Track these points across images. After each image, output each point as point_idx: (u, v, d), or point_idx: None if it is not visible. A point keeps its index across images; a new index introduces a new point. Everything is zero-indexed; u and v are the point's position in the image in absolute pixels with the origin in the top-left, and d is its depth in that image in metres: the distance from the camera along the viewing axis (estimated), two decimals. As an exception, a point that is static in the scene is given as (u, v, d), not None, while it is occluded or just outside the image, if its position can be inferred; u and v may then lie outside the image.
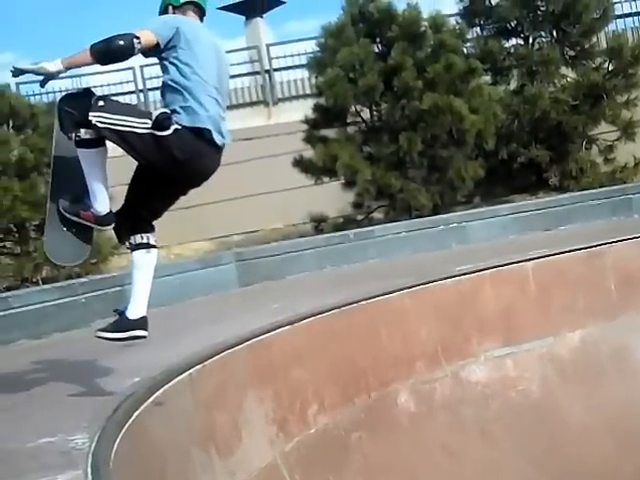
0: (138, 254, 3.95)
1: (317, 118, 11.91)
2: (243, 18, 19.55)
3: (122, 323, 3.91)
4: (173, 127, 3.73)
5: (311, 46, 13.30)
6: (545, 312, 6.95)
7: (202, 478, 4.12)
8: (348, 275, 8.27)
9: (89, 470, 2.95)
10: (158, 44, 3.78)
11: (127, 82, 16.42)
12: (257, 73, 16.67)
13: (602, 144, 12.84)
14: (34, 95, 14.58)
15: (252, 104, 16.20)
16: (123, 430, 3.47)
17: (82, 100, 3.83)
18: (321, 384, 5.50)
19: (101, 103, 3.76)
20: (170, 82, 3.85)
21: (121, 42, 3.65)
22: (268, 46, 16.99)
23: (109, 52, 3.68)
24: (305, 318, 5.64)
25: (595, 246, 7.45)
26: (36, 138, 9.61)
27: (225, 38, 55.36)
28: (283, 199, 13.52)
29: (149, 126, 3.70)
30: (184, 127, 3.76)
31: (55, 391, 4.19)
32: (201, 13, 4.16)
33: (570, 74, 12.97)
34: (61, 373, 4.56)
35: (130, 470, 3.34)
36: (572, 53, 13.13)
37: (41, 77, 3.72)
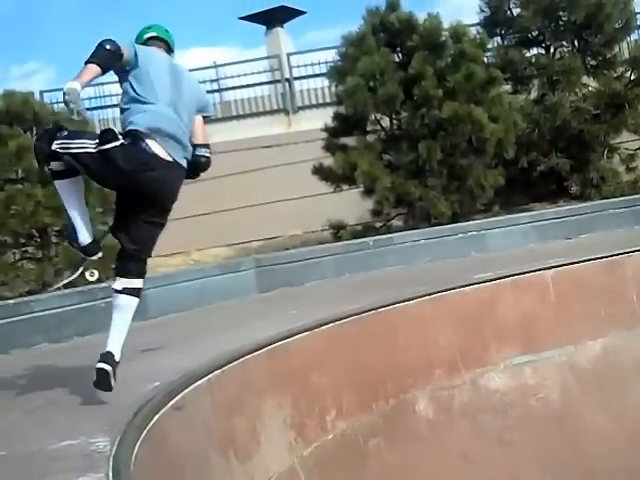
0: (114, 296, 4.01)
1: (337, 126, 11.94)
2: (264, 28, 19.63)
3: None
4: (119, 142, 3.81)
5: (331, 55, 13.37)
6: (565, 320, 6.91)
7: (221, 482, 4.14)
8: (366, 282, 8.27)
9: (110, 473, 2.97)
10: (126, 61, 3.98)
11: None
12: (277, 82, 16.75)
13: (624, 153, 12.79)
14: (57, 102, 14.71)
15: (272, 112, 16.30)
16: (143, 434, 3.49)
17: (50, 134, 3.99)
18: (339, 390, 5.51)
19: (64, 133, 3.94)
20: (124, 105, 4.00)
21: (108, 46, 3.84)
22: (288, 55, 17.08)
23: (104, 56, 3.84)
24: (323, 325, 5.65)
25: (616, 255, 7.41)
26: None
27: (246, 47, 55.68)
28: (302, 206, 13.57)
29: (97, 143, 3.83)
30: (132, 139, 3.85)
31: (76, 395, 4.22)
32: (167, 46, 4.37)
33: (592, 83, 12.92)
34: (82, 377, 4.58)
35: (150, 473, 3.36)
36: (594, 62, 13.09)
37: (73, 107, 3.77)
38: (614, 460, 6.14)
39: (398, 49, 11.88)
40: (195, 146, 4.20)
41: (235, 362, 4.79)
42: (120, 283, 3.98)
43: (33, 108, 10.27)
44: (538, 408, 6.44)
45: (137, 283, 4.01)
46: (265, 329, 5.59)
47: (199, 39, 55.92)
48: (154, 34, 4.35)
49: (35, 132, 10.12)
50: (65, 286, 4.64)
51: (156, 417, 3.76)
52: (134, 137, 3.85)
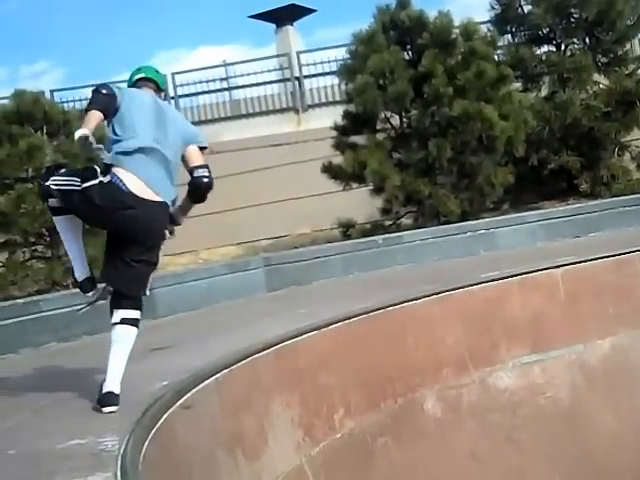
0: (111, 329, 4.03)
1: (347, 125, 11.93)
2: (274, 26, 19.57)
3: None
4: (98, 180, 3.89)
5: (341, 53, 13.35)
6: (574, 319, 6.90)
7: (228, 481, 4.15)
8: (375, 281, 8.27)
9: (118, 472, 2.98)
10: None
11: (158, 89, 16.53)
12: (287, 80, 16.74)
13: (634, 151, 12.73)
14: (67, 102, 14.77)
15: (282, 111, 16.29)
16: (152, 433, 3.51)
17: (50, 172, 4.11)
18: (347, 389, 5.52)
19: (61, 171, 4.08)
20: (108, 148, 4.02)
21: (104, 90, 3.99)
22: (298, 53, 17.03)
23: (104, 100, 3.97)
24: (332, 323, 5.66)
25: (625, 253, 7.39)
26: (69, 144, 9.72)
27: (256, 46, 55.60)
28: (311, 205, 13.56)
29: (81, 181, 3.93)
30: (110, 177, 3.91)
31: (84, 394, 4.24)
32: (156, 86, 4.42)
33: (603, 81, 12.87)
34: (91, 376, 4.61)
35: (158, 472, 3.38)
36: (605, 60, 13.03)
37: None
38: (623, 458, 6.13)
39: (408, 47, 11.86)
40: (193, 169, 4.21)
41: (243, 361, 4.81)
42: (117, 315, 4.00)
43: (43, 107, 10.29)
44: (547, 407, 6.43)
45: (134, 314, 4.02)
46: (273, 328, 5.60)
47: (208, 38, 55.84)
48: (143, 75, 4.42)
49: (45, 131, 10.14)
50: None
51: (165, 416, 3.78)
52: (112, 174, 3.91)
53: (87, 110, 3.95)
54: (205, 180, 4.18)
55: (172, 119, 4.24)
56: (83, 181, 3.91)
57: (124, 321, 3.98)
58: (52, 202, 4.09)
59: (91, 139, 3.75)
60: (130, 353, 4.00)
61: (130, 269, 4.01)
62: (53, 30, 54.98)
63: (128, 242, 3.99)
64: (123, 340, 3.96)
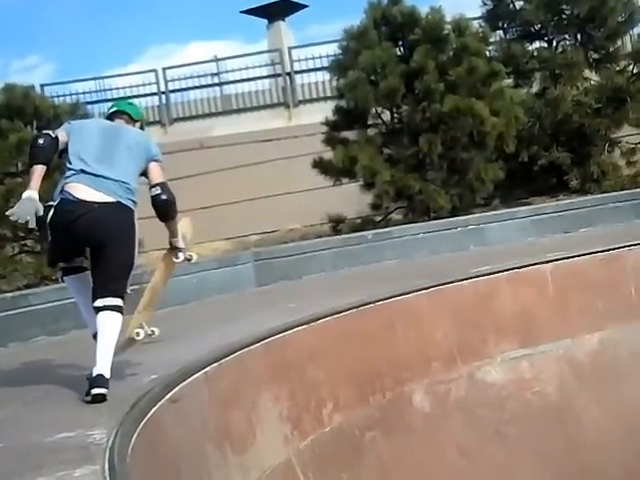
0: (97, 316, 4.15)
1: (337, 120, 11.91)
2: (265, 21, 19.56)
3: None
4: (50, 213, 4.17)
5: (333, 49, 13.35)
6: (563, 314, 6.93)
7: (216, 474, 4.16)
8: (365, 276, 8.28)
9: (106, 465, 2.99)
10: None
11: (149, 84, 16.54)
12: (278, 75, 16.72)
13: (625, 147, 12.77)
14: (58, 96, 14.71)
15: (273, 106, 16.27)
16: (140, 426, 3.51)
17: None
18: (336, 383, 5.53)
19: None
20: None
21: (40, 141, 4.24)
22: (290, 49, 17.02)
23: (41, 152, 4.23)
24: (321, 318, 5.67)
25: (615, 249, 7.42)
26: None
27: (248, 41, 55.52)
28: (302, 200, 13.56)
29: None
30: (60, 197, 4.15)
31: (73, 387, 4.24)
32: (128, 117, 4.65)
33: (594, 77, 12.89)
34: (79, 369, 4.61)
35: (146, 465, 3.38)
36: (596, 56, 13.04)
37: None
38: (610, 453, 6.16)
39: (400, 43, 11.84)
40: (150, 188, 4.36)
41: (232, 355, 4.82)
42: (100, 301, 4.13)
43: (34, 102, 10.27)
44: (535, 402, 6.46)
45: (117, 301, 4.14)
46: (263, 322, 5.61)
47: (200, 33, 55.63)
48: (115, 109, 4.69)
49: (36, 126, 10.11)
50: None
51: (153, 409, 3.78)
52: (61, 192, 4.15)
53: (30, 165, 4.23)
54: (162, 197, 4.32)
55: (131, 139, 4.40)
56: (43, 224, 4.16)
57: (106, 308, 4.10)
58: (61, 264, 4.44)
59: (33, 197, 4.08)
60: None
61: (109, 272, 4.17)
62: (44, 24, 54.65)
63: (99, 247, 4.16)
64: (108, 326, 4.06)
